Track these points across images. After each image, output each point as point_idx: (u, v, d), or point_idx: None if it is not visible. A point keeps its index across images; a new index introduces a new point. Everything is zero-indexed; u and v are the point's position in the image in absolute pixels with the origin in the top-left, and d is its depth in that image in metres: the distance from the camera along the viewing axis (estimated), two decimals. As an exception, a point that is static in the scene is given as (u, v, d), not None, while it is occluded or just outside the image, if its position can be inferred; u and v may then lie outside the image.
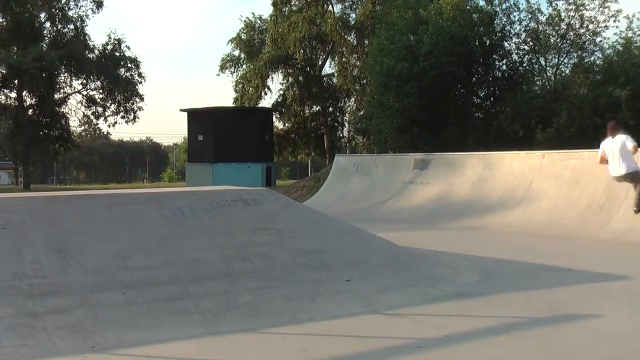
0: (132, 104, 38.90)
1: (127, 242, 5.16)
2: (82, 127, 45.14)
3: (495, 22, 21.12)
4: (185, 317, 4.44)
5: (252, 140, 29.19)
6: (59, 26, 37.47)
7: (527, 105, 19.20)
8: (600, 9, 19.89)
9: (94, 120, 40.18)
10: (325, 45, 36.92)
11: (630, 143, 8.30)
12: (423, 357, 3.77)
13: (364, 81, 31.40)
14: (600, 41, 20.37)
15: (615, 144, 8.51)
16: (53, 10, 36.53)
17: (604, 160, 8.80)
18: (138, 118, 39.36)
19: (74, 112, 39.47)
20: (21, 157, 38.92)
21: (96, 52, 38.15)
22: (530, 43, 21.14)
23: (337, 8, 36.13)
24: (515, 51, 21.54)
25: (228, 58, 38.91)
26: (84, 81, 38.17)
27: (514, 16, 21.09)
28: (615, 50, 19.71)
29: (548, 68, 21.43)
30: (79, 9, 37.57)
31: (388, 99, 20.98)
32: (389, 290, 5.34)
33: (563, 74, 21.59)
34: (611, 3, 19.86)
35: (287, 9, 36.07)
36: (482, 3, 21.59)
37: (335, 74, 38.32)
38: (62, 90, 37.65)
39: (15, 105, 36.24)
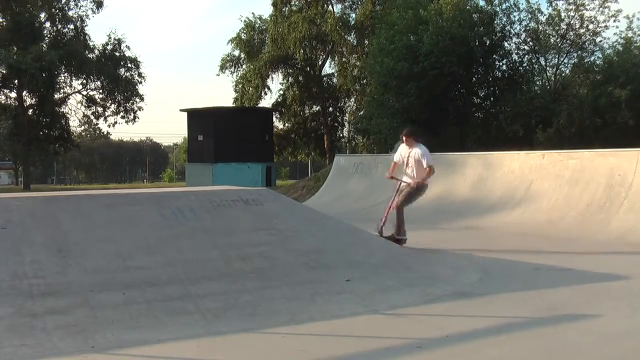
0: (132, 104, 38.94)
1: (127, 242, 5.16)
2: (82, 127, 45.32)
3: (495, 22, 21.12)
4: (185, 317, 4.44)
5: (252, 140, 29.20)
6: (59, 26, 37.49)
7: (527, 105, 19.21)
8: (600, 9, 19.91)
9: (94, 120, 40.27)
10: (325, 45, 36.92)
11: (425, 162, 7.96)
12: (423, 357, 3.77)
13: (364, 81, 31.41)
14: (600, 41, 20.40)
15: (412, 154, 8.12)
16: (53, 10, 36.55)
17: (394, 168, 8.34)
18: (138, 118, 39.45)
19: (74, 112, 39.57)
20: (21, 157, 38.98)
21: (96, 52, 38.18)
22: (530, 43, 21.15)
23: (337, 8, 36.17)
24: (515, 51, 21.55)
25: (228, 58, 38.92)
26: (84, 81, 38.20)
27: (514, 16, 21.11)
28: (615, 50, 19.72)
29: (548, 68, 21.45)
30: (79, 9, 37.64)
31: (388, 99, 20.99)
32: (389, 290, 5.34)
33: (563, 74, 21.60)
34: (611, 3, 19.88)
35: (287, 9, 36.06)
36: (482, 3, 21.61)
37: (335, 74, 38.33)
38: (62, 90, 37.70)
39: (15, 105, 36.27)
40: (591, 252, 7.80)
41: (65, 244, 4.93)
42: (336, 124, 39.77)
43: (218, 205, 6.08)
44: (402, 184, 8.07)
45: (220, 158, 28.73)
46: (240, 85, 38.02)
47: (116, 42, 38.34)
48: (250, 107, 35.88)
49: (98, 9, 37.91)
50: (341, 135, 40.52)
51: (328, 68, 39.12)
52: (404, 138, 8.28)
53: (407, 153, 8.11)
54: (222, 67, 38.97)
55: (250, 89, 37.47)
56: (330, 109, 39.12)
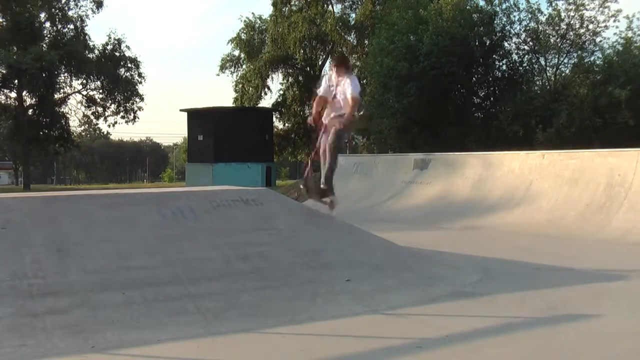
0: (132, 104, 38.94)
1: (127, 242, 5.15)
2: (82, 127, 45.32)
3: (495, 22, 21.15)
4: (185, 317, 4.43)
5: (252, 140, 29.19)
6: (59, 26, 37.50)
7: (527, 105, 19.24)
8: (600, 9, 19.96)
9: (94, 120, 40.26)
10: (325, 45, 36.94)
11: (350, 91, 6.62)
12: (423, 357, 3.77)
13: (364, 81, 31.43)
14: (600, 41, 20.45)
15: (342, 85, 6.81)
16: (53, 10, 36.57)
17: (320, 104, 6.97)
18: (138, 118, 39.46)
19: (74, 112, 39.55)
20: (21, 157, 39.00)
21: (96, 52, 38.20)
22: (530, 43, 21.18)
23: (337, 8, 36.21)
24: (515, 51, 21.60)
25: (228, 58, 38.96)
26: (84, 81, 38.21)
27: (514, 16, 21.15)
28: (615, 50, 19.76)
29: (548, 68, 21.47)
30: (79, 9, 37.66)
31: (388, 99, 21.01)
32: (389, 290, 5.34)
33: (563, 74, 21.64)
34: (611, 3, 19.94)
35: (287, 9, 36.10)
36: (482, 3, 21.66)
37: (335, 74, 38.30)
38: (62, 90, 37.70)
39: (15, 105, 36.27)
40: (591, 252, 7.80)
41: (65, 244, 4.93)
42: (336, 124, 39.77)
43: (218, 205, 6.08)
44: (330, 120, 6.84)
45: (220, 158, 28.73)
46: (240, 85, 38.05)
47: (116, 42, 38.36)
48: (250, 107, 35.89)
49: (98, 9, 37.95)
50: (341, 135, 40.51)
51: (328, 68, 39.15)
52: (334, 68, 6.96)
53: (336, 84, 6.83)
54: (222, 67, 39.02)
55: (250, 89, 37.50)
56: (330, 109, 39.11)
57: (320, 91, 6.96)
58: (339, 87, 6.76)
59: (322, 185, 6.77)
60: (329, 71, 7.06)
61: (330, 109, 6.84)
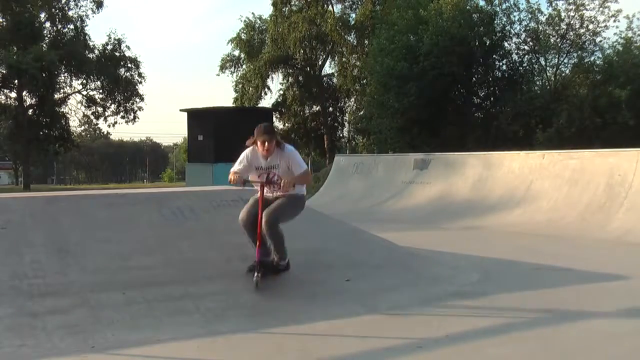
0: (132, 104, 38.93)
1: (127, 242, 5.16)
2: (82, 127, 45.24)
3: (495, 22, 21.17)
4: (185, 317, 4.44)
5: (252, 140, 29.13)
6: (59, 26, 37.50)
7: (527, 105, 19.25)
8: (600, 9, 19.97)
9: (94, 120, 40.23)
10: (325, 45, 36.93)
11: (303, 167, 5.22)
12: (423, 357, 3.77)
13: (364, 81, 31.45)
14: (600, 41, 20.46)
15: (282, 164, 5.20)
16: (53, 10, 36.56)
17: (241, 180, 5.30)
18: (138, 118, 39.44)
19: (74, 112, 39.52)
20: (21, 157, 38.97)
21: (96, 52, 38.19)
22: (530, 43, 21.19)
23: (337, 8, 36.19)
24: (515, 51, 21.62)
25: (228, 58, 38.93)
26: (84, 81, 38.19)
27: (514, 16, 21.17)
28: (615, 50, 19.77)
29: (548, 68, 21.48)
30: (79, 9, 37.65)
31: (388, 99, 21.02)
32: (389, 290, 5.34)
33: (563, 74, 21.65)
34: (611, 3, 19.95)
35: (287, 9, 36.07)
36: (482, 3, 21.68)
37: (335, 74, 38.34)
38: (62, 90, 37.69)
39: (15, 105, 36.25)
40: (591, 252, 7.81)
41: (65, 244, 4.94)
42: (336, 124, 39.77)
43: (218, 205, 6.09)
44: (268, 194, 5.24)
45: (220, 158, 28.65)
46: (240, 85, 38.02)
47: (116, 42, 38.34)
48: (250, 107, 35.86)
49: (98, 9, 37.94)
50: (341, 135, 40.53)
51: (328, 68, 39.11)
52: (266, 144, 5.21)
53: (270, 162, 5.26)
54: (222, 67, 38.99)
55: (250, 89, 37.48)
56: (330, 109, 39.13)
57: (240, 172, 5.41)
58: (277, 170, 5.21)
59: (278, 261, 5.14)
60: (250, 151, 5.47)
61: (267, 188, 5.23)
